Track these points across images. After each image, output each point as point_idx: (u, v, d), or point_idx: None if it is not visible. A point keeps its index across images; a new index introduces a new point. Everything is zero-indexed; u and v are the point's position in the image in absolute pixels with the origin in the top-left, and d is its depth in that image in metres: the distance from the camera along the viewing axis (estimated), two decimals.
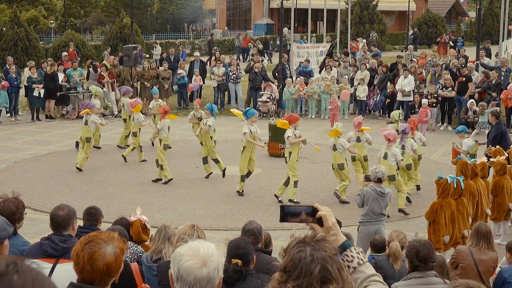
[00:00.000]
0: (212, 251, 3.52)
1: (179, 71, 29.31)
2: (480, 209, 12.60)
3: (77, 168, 18.37)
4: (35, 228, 13.08)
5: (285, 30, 48.66)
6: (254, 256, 6.10)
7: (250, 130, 16.20)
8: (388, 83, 26.69)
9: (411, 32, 55.19)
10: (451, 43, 48.45)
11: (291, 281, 3.00)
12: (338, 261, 3.11)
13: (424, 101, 23.47)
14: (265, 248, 7.61)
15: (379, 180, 11.53)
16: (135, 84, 28.01)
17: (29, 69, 26.56)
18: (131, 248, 7.57)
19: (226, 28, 69.34)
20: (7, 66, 27.17)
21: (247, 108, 18.80)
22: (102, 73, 27.78)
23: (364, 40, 41.80)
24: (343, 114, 26.60)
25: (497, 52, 31.99)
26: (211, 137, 17.90)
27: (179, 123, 24.53)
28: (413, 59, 30.41)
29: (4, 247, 4.71)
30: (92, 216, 7.55)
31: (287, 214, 3.57)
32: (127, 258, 7.14)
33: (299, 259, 3.03)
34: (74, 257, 3.95)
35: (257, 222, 7.59)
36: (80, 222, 6.98)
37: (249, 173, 16.66)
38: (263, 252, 7.25)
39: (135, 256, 7.51)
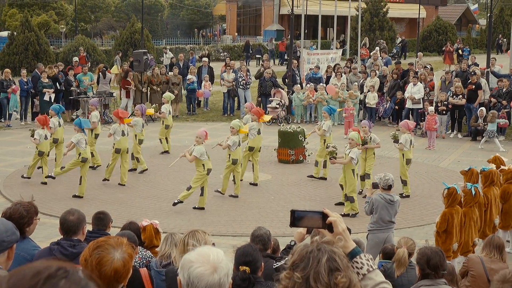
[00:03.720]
0: (221, 257, 3.52)
1: (189, 76, 29.34)
2: (489, 218, 12.53)
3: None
4: (44, 232, 13.08)
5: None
6: (262, 263, 6.06)
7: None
8: (399, 91, 26.61)
9: (399, 39, 55.08)
10: (460, 51, 48.30)
11: (299, 272, 2.98)
12: (345, 257, 3.11)
13: (431, 108, 23.40)
14: (273, 254, 7.58)
15: (389, 188, 11.47)
16: (144, 89, 28.05)
17: (41, 74, 26.67)
18: (140, 253, 7.56)
19: (236, 34, 69.46)
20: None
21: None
22: (128, 79, 27.81)
23: (377, 48, 41.76)
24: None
25: None
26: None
27: (188, 128, 24.58)
28: (426, 65, 30.30)
29: (12, 251, 4.71)
30: (101, 221, 7.56)
31: (298, 219, 3.57)
32: (136, 263, 7.13)
33: (307, 252, 3.03)
34: (83, 262, 3.94)
35: (266, 228, 7.57)
36: (89, 227, 6.98)
37: None
38: (272, 258, 7.21)
39: (144, 261, 7.50)
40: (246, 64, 47.26)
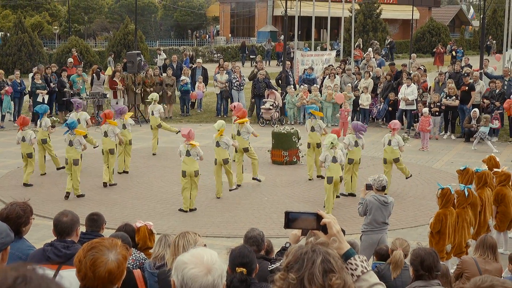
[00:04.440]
0: (215, 258, 3.52)
1: (182, 77, 29.32)
2: (483, 219, 12.55)
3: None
4: (37, 234, 13.05)
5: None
6: (257, 265, 6.06)
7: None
8: (391, 92, 26.62)
9: (388, 41, 55.03)
10: (453, 53, 48.28)
11: (293, 273, 2.98)
12: (340, 258, 3.11)
13: (425, 110, 23.43)
14: (266, 255, 7.57)
15: (383, 189, 11.48)
16: (138, 90, 27.96)
17: (34, 75, 26.69)
18: (133, 255, 7.56)
19: (229, 35, 69.45)
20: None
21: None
22: (115, 79, 27.77)
23: (370, 49, 41.78)
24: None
25: None
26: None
27: None
28: (420, 67, 30.31)
29: (6, 253, 4.70)
30: (95, 222, 7.54)
31: (292, 220, 3.57)
32: (129, 265, 7.12)
33: (301, 253, 3.02)
34: (77, 263, 3.93)
35: (259, 229, 7.57)
36: (82, 228, 6.96)
37: None
38: (265, 259, 7.21)
39: (138, 263, 7.49)
40: (242, 64, 47.67)
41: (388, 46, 53.17)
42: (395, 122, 17.81)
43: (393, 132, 17.18)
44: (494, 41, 57.60)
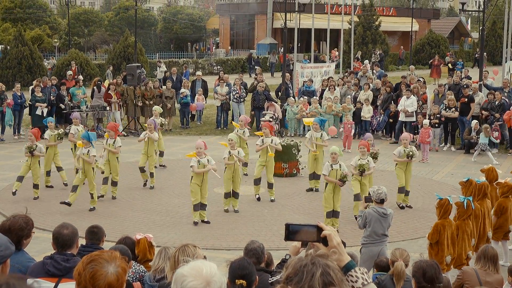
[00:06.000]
0: (214, 271, 3.51)
1: (182, 90, 29.34)
2: (483, 230, 12.51)
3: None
4: (37, 246, 13.02)
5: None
6: (257, 277, 6.04)
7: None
8: (392, 103, 26.63)
9: (377, 53, 55.08)
10: (449, 65, 48.15)
11: (293, 286, 2.97)
12: (340, 270, 3.10)
13: (425, 121, 23.42)
14: (266, 267, 7.56)
15: (382, 201, 11.45)
16: (138, 103, 27.96)
17: (34, 87, 26.73)
18: (133, 267, 7.54)
19: (229, 47, 69.58)
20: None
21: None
22: (109, 92, 27.80)
23: (367, 61, 41.86)
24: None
25: None
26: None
27: (181, 142, 24.56)
28: (419, 79, 30.32)
29: (6, 266, 4.69)
30: (95, 235, 7.53)
31: (292, 232, 3.56)
32: (129, 278, 7.10)
33: (301, 266, 3.01)
34: (76, 276, 3.93)
35: (260, 241, 7.56)
36: (82, 241, 6.95)
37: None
38: (265, 271, 7.19)
39: (137, 276, 7.47)
40: (250, 75, 47.97)
41: (378, 57, 53.38)
42: (404, 135, 18.01)
43: (404, 144, 17.19)
44: (484, 53, 57.49)
